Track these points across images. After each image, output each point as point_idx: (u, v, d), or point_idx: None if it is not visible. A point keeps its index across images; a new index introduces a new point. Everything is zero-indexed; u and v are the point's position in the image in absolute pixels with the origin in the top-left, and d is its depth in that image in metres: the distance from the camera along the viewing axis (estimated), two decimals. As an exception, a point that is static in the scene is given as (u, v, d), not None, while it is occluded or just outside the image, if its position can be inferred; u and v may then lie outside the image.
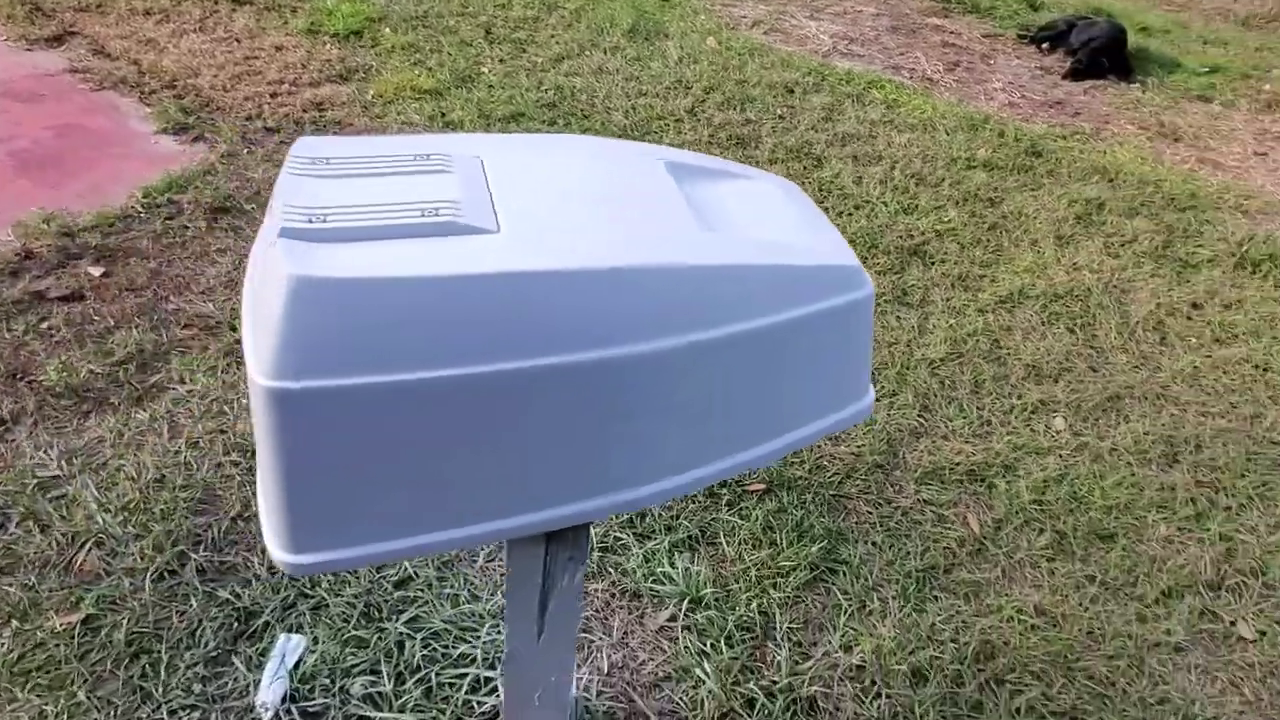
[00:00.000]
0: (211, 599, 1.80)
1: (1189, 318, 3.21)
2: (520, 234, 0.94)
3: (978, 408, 2.65)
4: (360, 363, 0.87)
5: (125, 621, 1.72)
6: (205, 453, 2.12)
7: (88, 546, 1.85)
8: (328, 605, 1.83)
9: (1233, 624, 2.12)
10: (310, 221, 0.90)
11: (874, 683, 1.86)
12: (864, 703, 1.82)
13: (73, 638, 1.68)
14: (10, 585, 1.76)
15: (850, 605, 2.01)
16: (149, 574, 1.82)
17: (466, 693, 1.71)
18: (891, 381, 2.69)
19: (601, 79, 4.26)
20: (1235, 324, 3.20)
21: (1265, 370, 2.99)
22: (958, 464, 2.43)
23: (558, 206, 1.00)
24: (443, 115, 3.68)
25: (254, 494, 2.03)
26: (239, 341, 2.46)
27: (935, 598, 2.06)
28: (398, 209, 0.94)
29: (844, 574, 2.08)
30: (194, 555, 1.87)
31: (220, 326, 2.52)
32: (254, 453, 2.14)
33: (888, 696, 1.83)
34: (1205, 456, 2.58)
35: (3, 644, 1.66)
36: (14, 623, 1.70)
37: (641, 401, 0.97)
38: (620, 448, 0.99)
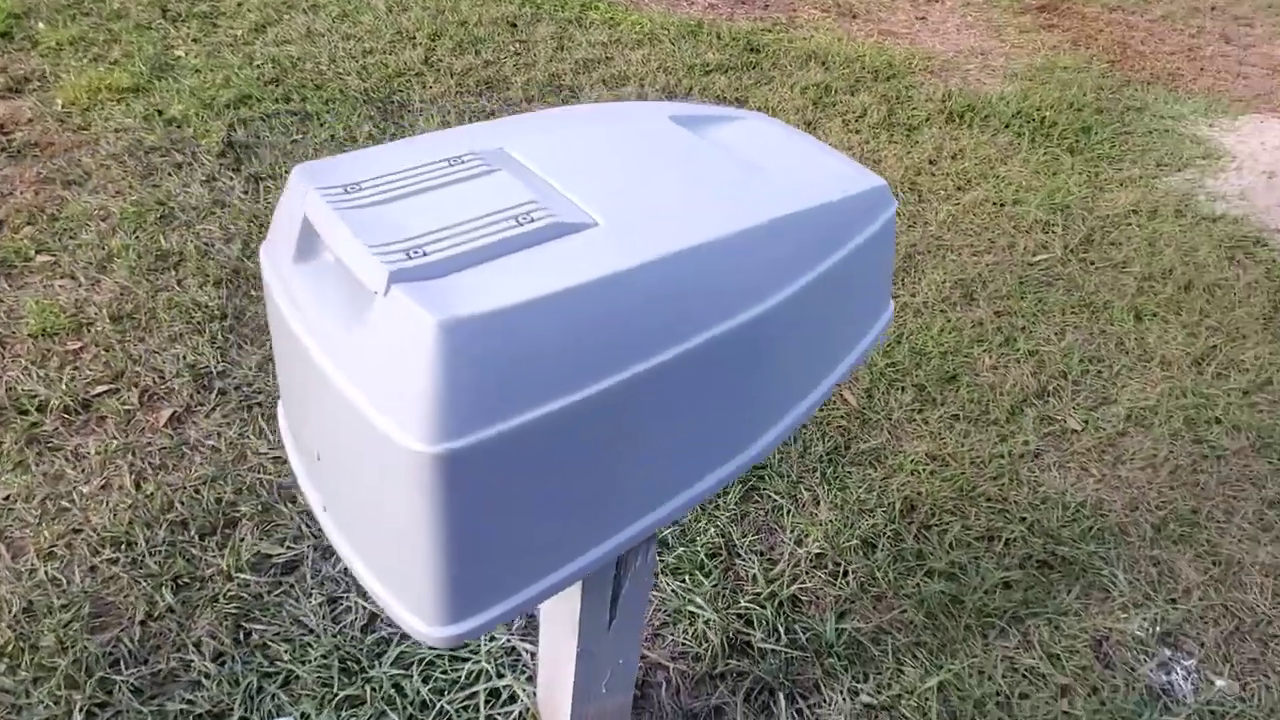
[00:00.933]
0: (164, 717, 1.55)
1: (932, 174, 3.63)
2: (621, 220, 0.89)
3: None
4: (526, 397, 0.79)
5: (76, 778, 1.45)
6: (68, 560, 1.78)
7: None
8: (299, 676, 1.64)
9: (1064, 422, 2.50)
10: (409, 257, 0.79)
11: (836, 564, 2.01)
12: (836, 584, 1.96)
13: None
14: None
15: (787, 504, 2.13)
16: (76, 716, 1.53)
17: (487, 709, 1.63)
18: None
19: (317, 43, 3.90)
20: (966, 170, 3.66)
21: (1001, 205, 3.47)
22: (816, 349, 2.62)
23: (627, 183, 0.95)
24: (160, 113, 3.20)
25: (157, 589, 1.75)
26: (36, 424, 2.07)
27: (849, 473, 2.24)
28: (488, 223, 0.84)
29: (769, 477, 2.19)
30: (118, 677, 1.59)
31: (4, 412, 2.09)
32: (129, 544, 1.83)
33: (852, 572, 1.99)
34: (992, 290, 2.98)
35: None
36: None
37: (770, 354, 0.97)
38: (755, 403, 0.98)
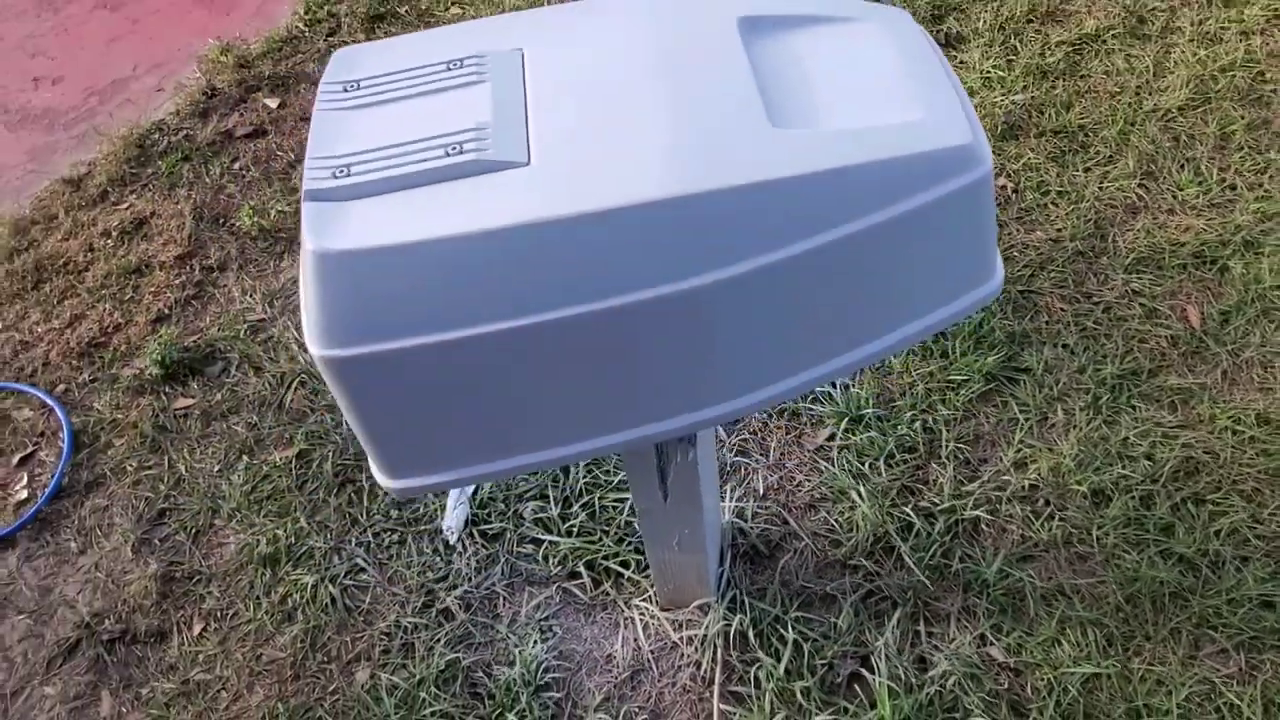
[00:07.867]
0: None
1: None
2: (553, 163, 0.85)
3: (1219, 169, 2.23)
4: (400, 327, 0.85)
5: (331, 455, 1.95)
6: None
7: (294, 386, 2.07)
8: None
9: None
10: (335, 177, 0.86)
11: (1047, 504, 1.77)
12: (1033, 525, 1.74)
13: (290, 470, 1.94)
14: (238, 424, 2.03)
15: (1029, 419, 1.87)
16: (345, 409, 2.02)
17: (627, 516, 1.81)
18: (1109, 144, 2.30)
19: None
20: None
21: None
22: (1183, 244, 2.10)
23: (599, 115, 0.89)
24: None
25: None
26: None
27: (1132, 407, 1.87)
28: (422, 149, 0.87)
29: (1025, 384, 1.92)
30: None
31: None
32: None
33: (1061, 519, 1.74)
34: None
35: (239, 476, 1.95)
36: (244, 458, 1.98)
37: (722, 328, 0.89)
38: (707, 371, 0.93)
